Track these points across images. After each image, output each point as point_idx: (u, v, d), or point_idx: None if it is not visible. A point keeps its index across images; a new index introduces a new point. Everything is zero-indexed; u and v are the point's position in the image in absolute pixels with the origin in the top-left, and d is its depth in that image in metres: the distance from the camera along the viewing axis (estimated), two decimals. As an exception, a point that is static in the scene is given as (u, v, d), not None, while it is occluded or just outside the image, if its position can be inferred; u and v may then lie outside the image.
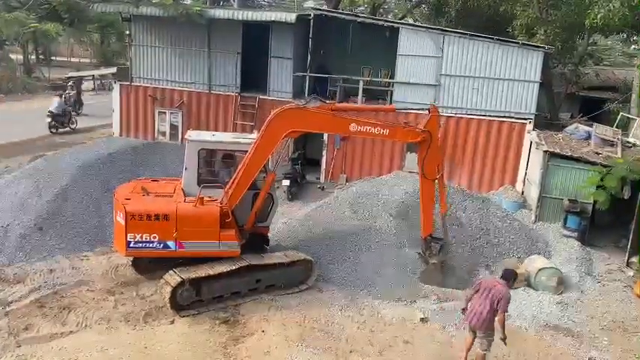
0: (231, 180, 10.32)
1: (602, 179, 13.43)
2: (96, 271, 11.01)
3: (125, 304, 9.87)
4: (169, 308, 9.63)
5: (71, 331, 9.02)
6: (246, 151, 10.25)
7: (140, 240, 9.85)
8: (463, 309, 8.74)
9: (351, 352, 9.08)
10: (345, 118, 10.59)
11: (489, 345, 8.47)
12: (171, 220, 9.86)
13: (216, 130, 18.21)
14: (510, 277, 8.59)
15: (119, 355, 8.48)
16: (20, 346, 8.55)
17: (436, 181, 11.15)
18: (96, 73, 38.23)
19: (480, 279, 9.22)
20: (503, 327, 8.24)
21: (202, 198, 10.12)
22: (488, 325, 8.35)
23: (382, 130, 10.72)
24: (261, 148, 10.06)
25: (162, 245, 9.92)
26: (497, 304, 8.19)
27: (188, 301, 9.74)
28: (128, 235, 9.81)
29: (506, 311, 8.31)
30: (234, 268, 10.04)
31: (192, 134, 11.14)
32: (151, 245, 9.91)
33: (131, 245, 9.88)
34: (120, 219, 9.99)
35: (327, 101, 11.26)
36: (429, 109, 11.04)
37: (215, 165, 11.22)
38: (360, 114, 11.43)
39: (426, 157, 10.87)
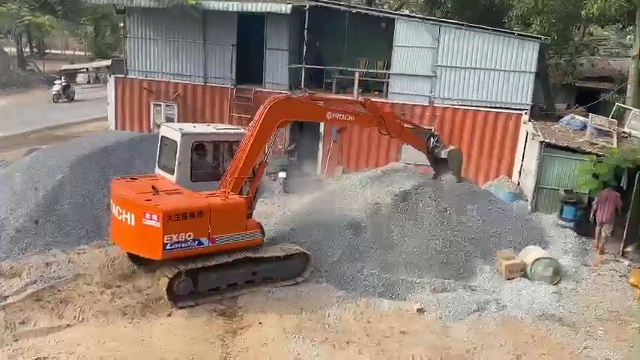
0: (230, 170, 10.44)
1: (594, 167, 13.54)
2: (92, 265, 10.96)
3: (122, 297, 9.85)
4: (166, 300, 9.62)
5: (68, 325, 9.01)
6: (237, 142, 10.68)
7: (176, 240, 9.48)
8: (594, 217, 13.60)
9: (348, 343, 9.12)
10: (324, 107, 11.73)
11: (611, 230, 13.42)
12: (204, 215, 9.71)
13: (212, 122, 18.14)
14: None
15: (117, 348, 8.48)
16: (17, 339, 8.54)
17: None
18: (90, 65, 38.03)
19: (601, 193, 13.41)
20: (621, 208, 13.41)
21: (225, 191, 10.16)
22: (611, 218, 13.28)
23: (349, 117, 12.03)
24: (259, 138, 10.48)
25: (196, 242, 9.73)
26: (616, 203, 13.20)
27: (185, 292, 9.73)
28: (165, 237, 9.34)
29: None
30: (229, 260, 10.05)
31: (174, 126, 11.14)
32: (186, 244, 9.63)
33: (167, 247, 9.41)
34: (151, 222, 9.41)
35: (308, 92, 12.16)
36: (362, 103, 12.36)
37: (207, 157, 11.23)
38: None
39: (389, 129, 12.67)
